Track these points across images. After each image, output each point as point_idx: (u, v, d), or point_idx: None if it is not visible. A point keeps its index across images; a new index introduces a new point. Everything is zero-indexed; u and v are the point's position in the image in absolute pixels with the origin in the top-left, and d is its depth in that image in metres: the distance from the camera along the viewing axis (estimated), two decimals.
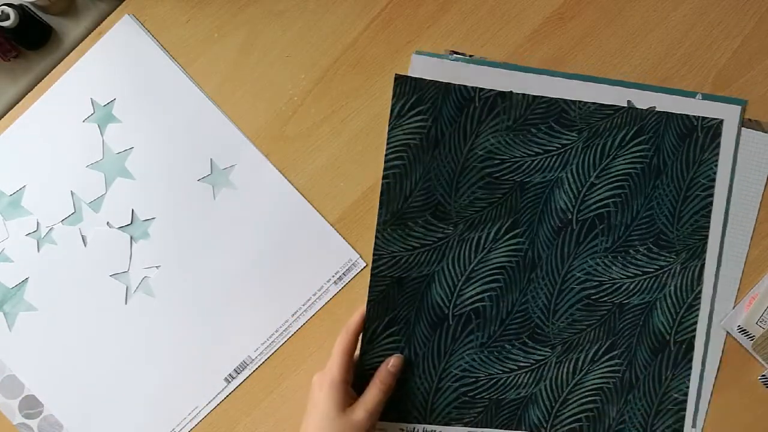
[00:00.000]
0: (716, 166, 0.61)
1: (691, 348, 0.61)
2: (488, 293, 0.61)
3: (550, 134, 0.61)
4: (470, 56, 0.63)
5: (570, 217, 0.61)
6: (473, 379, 0.61)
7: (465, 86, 0.60)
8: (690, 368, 0.61)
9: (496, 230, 0.61)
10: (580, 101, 0.61)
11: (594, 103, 0.61)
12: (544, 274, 0.61)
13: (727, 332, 0.61)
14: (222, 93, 0.65)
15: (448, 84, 0.60)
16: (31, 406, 0.64)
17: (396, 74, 0.59)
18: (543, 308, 0.61)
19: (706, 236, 0.61)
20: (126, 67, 0.65)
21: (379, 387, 0.56)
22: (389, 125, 0.59)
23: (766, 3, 0.62)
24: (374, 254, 0.59)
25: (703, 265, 0.61)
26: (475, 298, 0.61)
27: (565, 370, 0.61)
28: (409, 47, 0.64)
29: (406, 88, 0.60)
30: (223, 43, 0.65)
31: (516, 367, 0.61)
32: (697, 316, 0.61)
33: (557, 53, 0.63)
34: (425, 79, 0.60)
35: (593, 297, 0.61)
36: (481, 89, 0.60)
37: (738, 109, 0.61)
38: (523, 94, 0.61)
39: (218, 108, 0.64)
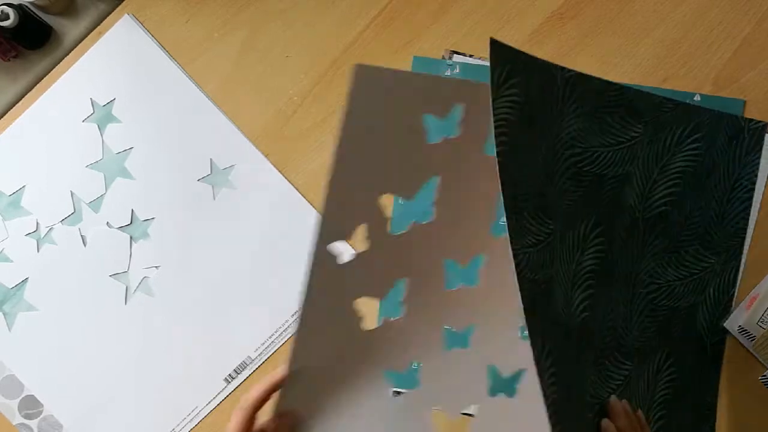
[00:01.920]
0: (758, 168, 0.59)
1: (721, 351, 0.59)
2: (587, 302, 0.52)
3: (622, 124, 0.53)
4: (470, 56, 0.63)
5: (637, 215, 0.55)
6: (598, 407, 0.53)
7: (546, 63, 0.49)
8: (719, 371, 0.59)
9: (583, 228, 0.52)
10: (645, 92, 0.55)
11: (657, 96, 0.55)
12: (619, 278, 0.54)
13: (728, 332, 0.61)
14: (222, 93, 0.65)
15: (533, 58, 0.48)
16: (30, 406, 0.64)
17: (491, 38, 0.44)
18: (623, 316, 0.54)
19: (744, 238, 0.59)
20: (126, 67, 0.65)
21: None
22: (492, 96, 0.45)
23: (766, 3, 0.62)
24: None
25: (738, 267, 0.59)
26: (580, 307, 0.52)
27: (642, 384, 0.55)
28: (409, 47, 0.64)
29: (502, 55, 0.45)
30: (222, 43, 0.65)
31: (614, 387, 0.53)
32: (727, 318, 0.59)
33: (557, 53, 0.63)
34: (515, 49, 0.46)
35: (655, 301, 0.56)
36: (563, 68, 0.50)
37: (738, 109, 0.61)
38: (598, 78, 0.52)
39: (218, 108, 0.64)
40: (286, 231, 0.64)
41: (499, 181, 0.45)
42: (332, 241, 0.47)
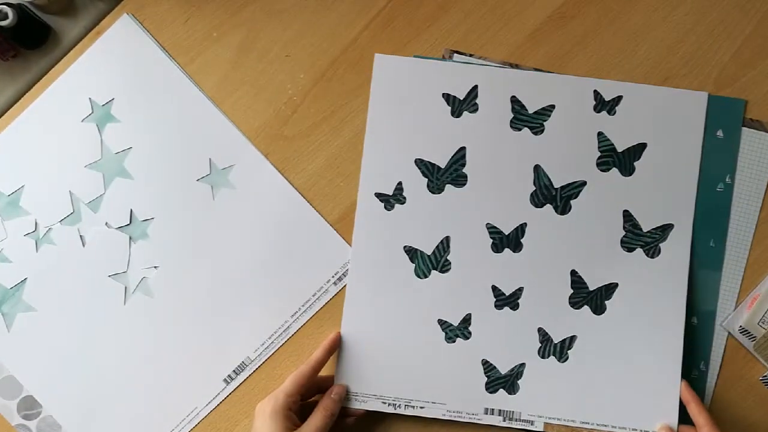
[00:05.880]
0: None
1: None
2: None
3: None
4: (470, 55, 0.63)
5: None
6: None
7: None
8: None
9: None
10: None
11: None
12: None
13: (729, 333, 0.60)
14: (221, 92, 0.64)
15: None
16: (29, 406, 0.64)
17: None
18: None
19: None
20: (125, 67, 0.65)
21: (323, 413, 0.56)
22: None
23: (767, 3, 0.62)
24: None
25: None
26: None
27: None
28: (409, 47, 0.63)
29: None
30: (222, 42, 0.65)
31: None
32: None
33: (557, 53, 0.63)
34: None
35: None
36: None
37: (739, 109, 0.61)
38: None
39: (217, 108, 0.64)
40: (285, 231, 0.63)
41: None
42: (374, 191, 0.60)
